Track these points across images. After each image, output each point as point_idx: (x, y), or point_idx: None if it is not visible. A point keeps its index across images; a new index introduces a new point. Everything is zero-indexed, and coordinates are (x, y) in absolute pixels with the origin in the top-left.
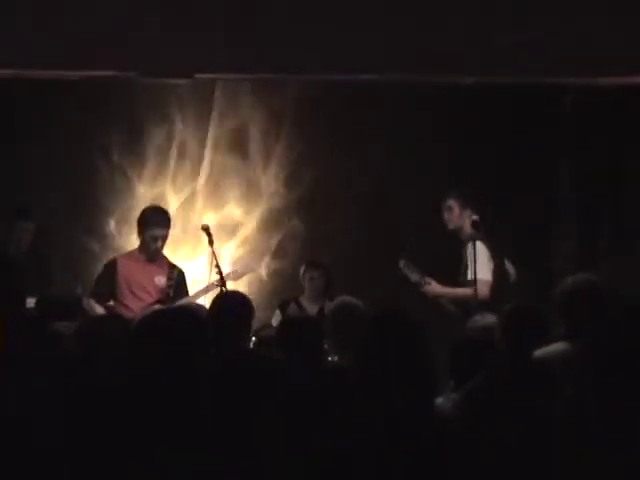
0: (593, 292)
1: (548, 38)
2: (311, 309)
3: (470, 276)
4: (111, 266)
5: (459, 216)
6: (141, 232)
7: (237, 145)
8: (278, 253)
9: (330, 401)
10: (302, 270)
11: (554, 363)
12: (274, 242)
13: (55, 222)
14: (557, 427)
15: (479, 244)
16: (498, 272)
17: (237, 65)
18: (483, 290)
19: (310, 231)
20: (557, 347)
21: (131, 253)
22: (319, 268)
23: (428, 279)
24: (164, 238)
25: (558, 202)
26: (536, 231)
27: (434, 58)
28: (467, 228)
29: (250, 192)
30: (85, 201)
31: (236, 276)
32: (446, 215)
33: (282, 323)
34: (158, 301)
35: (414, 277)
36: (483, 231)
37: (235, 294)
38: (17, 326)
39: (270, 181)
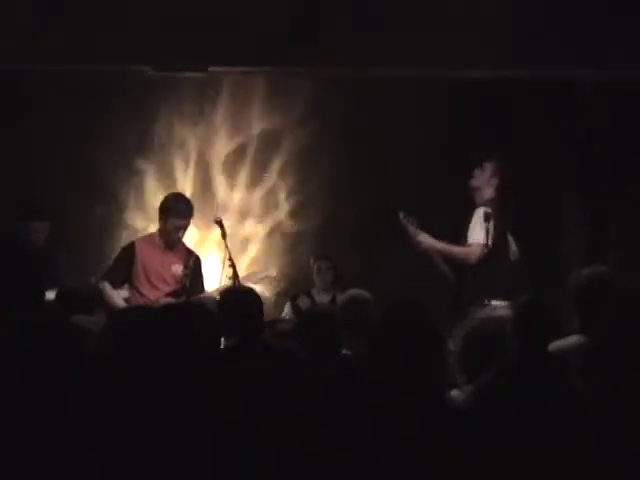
0: (607, 285)
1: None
2: (322, 299)
3: (468, 238)
4: (130, 249)
5: (487, 179)
6: (162, 219)
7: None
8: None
9: (342, 394)
10: (311, 262)
11: (568, 357)
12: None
13: (67, 217)
14: (569, 422)
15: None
16: (497, 239)
17: (249, 58)
18: (475, 251)
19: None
20: (571, 340)
21: (151, 237)
22: (327, 260)
23: (425, 234)
24: (186, 228)
25: (565, 199)
26: (543, 223)
27: (443, 52)
28: (487, 193)
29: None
30: (98, 196)
31: (254, 279)
32: (476, 171)
33: (301, 317)
34: (174, 292)
35: (411, 230)
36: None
37: (244, 287)
38: (32, 320)
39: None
